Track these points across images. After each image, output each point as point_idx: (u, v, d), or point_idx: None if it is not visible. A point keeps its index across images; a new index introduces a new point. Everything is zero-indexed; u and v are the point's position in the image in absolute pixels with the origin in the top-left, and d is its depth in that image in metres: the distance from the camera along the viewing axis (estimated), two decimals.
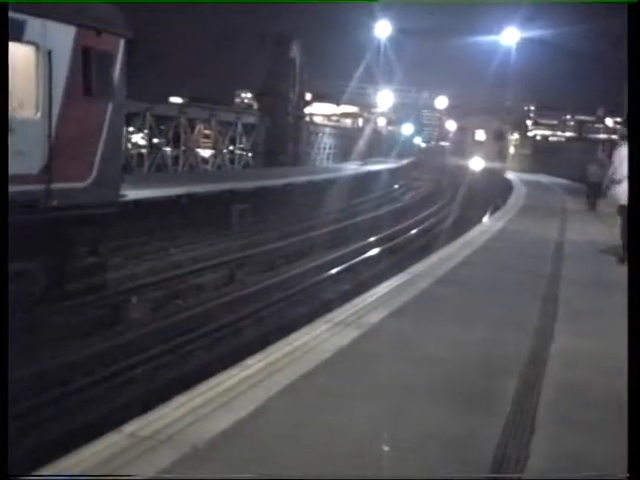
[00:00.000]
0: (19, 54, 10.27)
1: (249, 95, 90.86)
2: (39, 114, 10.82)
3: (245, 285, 14.65)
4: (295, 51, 46.31)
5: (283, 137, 44.49)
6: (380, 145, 69.77)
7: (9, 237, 9.29)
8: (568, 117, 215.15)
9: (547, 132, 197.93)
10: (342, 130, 68.67)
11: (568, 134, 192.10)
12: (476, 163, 43.26)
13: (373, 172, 45.17)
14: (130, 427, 4.33)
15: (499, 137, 45.72)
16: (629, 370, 4.54)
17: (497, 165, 43.50)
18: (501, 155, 45.12)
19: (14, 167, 9.35)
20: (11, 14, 9.47)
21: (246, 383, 5.18)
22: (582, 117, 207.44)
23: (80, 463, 3.82)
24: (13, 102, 9.96)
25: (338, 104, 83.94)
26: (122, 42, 12.62)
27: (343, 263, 17.04)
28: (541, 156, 60.14)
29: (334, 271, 16.27)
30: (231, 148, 40.18)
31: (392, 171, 50.66)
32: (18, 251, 9.30)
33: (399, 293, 8.75)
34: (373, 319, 7.33)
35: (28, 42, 10.62)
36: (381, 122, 76.81)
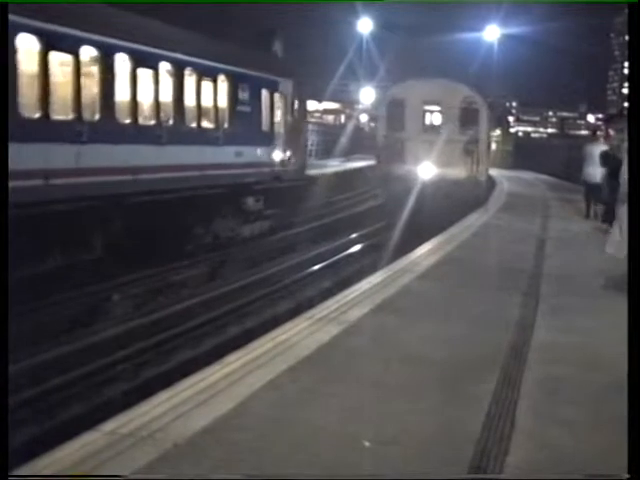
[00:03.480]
0: (277, 99, 19.94)
1: None
2: (282, 129, 20.35)
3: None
4: (277, 48, 46.17)
5: None
6: (363, 141, 69.71)
7: (268, 196, 20.04)
8: (550, 113, 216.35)
9: (529, 128, 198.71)
10: (325, 127, 68.54)
11: (550, 130, 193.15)
12: (426, 173, 23.19)
13: (357, 169, 45.12)
14: (109, 425, 4.31)
15: (470, 120, 23.42)
16: (629, 370, 4.51)
17: (464, 175, 23.30)
18: (472, 157, 23.35)
19: (276, 157, 19.99)
20: (272, 77, 19.85)
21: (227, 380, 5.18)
22: (564, 113, 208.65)
23: (57, 462, 3.78)
24: (275, 122, 19.88)
25: (320, 101, 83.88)
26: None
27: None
28: (523, 153, 60.32)
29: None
30: None
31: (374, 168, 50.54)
32: (270, 203, 19.70)
33: (382, 288, 8.77)
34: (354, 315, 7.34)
35: (279, 92, 20.03)
36: (363, 118, 76.78)
